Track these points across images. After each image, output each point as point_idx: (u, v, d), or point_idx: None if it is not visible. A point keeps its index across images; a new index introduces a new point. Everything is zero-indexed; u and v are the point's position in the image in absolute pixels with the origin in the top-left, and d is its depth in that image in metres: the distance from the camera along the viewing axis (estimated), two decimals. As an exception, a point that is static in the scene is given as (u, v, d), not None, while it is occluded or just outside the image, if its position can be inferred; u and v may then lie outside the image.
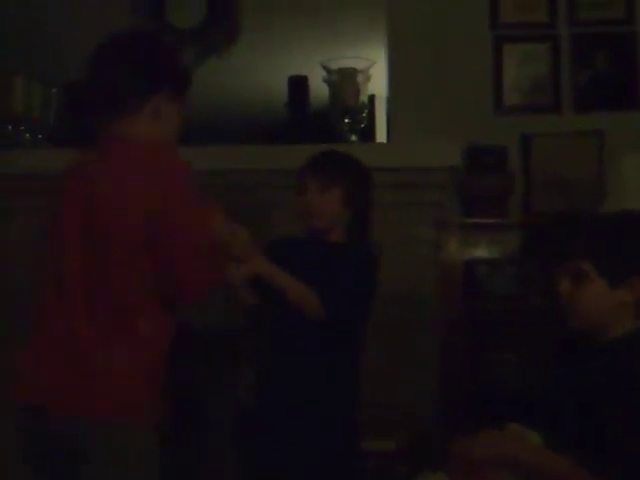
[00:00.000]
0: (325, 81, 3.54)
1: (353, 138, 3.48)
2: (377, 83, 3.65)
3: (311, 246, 2.55)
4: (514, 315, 3.22)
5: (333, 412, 2.46)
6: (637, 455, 1.99)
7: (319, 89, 3.64)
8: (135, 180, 1.98)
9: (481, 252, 3.36)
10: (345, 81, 3.48)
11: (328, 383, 2.45)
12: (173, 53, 2.23)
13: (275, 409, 2.46)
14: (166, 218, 1.98)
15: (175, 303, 2.08)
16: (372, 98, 3.69)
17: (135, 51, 2.13)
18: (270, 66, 3.88)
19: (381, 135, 3.88)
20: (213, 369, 3.14)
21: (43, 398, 2.11)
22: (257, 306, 2.52)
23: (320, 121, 3.66)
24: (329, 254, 2.54)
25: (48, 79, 3.42)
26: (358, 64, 3.52)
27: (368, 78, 3.52)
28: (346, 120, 3.48)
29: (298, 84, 3.69)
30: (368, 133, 3.71)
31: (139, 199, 1.97)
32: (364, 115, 3.54)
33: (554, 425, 2.15)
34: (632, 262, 2.15)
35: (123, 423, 2.07)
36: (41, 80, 3.42)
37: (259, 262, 2.39)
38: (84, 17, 3.61)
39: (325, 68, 3.51)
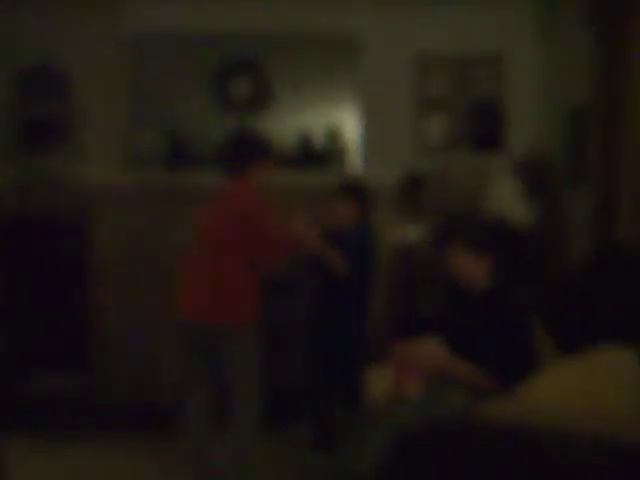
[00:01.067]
0: (322, 133, 4.69)
1: (338, 169, 4.59)
2: (351, 134, 4.71)
3: (338, 234, 3.65)
4: (432, 274, 4.22)
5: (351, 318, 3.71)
6: (500, 360, 2.56)
7: (319, 137, 4.68)
8: (243, 207, 3.09)
9: (413, 237, 4.46)
10: (333, 135, 4.67)
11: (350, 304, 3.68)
12: (259, 140, 3.29)
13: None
14: (254, 228, 3.05)
15: (260, 268, 3.14)
16: (348, 145, 4.72)
17: (239, 138, 3.38)
18: (289, 124, 4.64)
19: (355, 166, 4.73)
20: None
21: (200, 316, 3.03)
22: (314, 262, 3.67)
23: (319, 157, 4.76)
24: (345, 237, 3.63)
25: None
26: (341, 122, 4.65)
27: (347, 132, 4.69)
28: (334, 157, 4.61)
29: (306, 136, 4.74)
30: (347, 165, 4.73)
31: (243, 216, 3.07)
32: (345, 154, 4.65)
33: (452, 340, 2.67)
34: (488, 244, 2.80)
35: (243, 328, 3.03)
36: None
37: (313, 243, 3.43)
38: (172, 91, 4.71)
39: (322, 127, 4.65)
